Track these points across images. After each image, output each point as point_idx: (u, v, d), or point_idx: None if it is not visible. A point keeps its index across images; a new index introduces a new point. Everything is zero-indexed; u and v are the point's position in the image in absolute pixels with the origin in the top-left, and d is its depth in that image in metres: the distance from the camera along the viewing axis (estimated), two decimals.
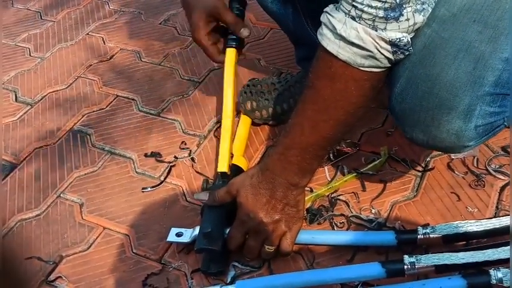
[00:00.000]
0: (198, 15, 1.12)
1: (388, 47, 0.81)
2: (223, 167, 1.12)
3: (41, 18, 1.85)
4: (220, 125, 1.31)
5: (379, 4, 0.76)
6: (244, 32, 1.15)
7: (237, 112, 1.31)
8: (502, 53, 0.83)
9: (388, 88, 0.91)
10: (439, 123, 0.85)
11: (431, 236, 0.95)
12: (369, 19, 0.78)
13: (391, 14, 0.77)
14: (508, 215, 0.99)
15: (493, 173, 1.11)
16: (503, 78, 0.84)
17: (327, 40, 0.82)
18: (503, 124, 0.90)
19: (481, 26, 0.83)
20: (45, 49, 1.69)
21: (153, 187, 1.19)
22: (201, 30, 1.13)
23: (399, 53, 0.82)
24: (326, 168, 1.17)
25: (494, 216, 1.03)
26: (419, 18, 0.80)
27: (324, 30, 0.83)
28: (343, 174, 1.15)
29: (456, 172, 1.13)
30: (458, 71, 0.83)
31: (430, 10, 0.82)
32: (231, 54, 1.19)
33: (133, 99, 1.45)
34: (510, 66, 0.84)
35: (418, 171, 1.14)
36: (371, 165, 1.14)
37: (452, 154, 1.14)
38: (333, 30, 0.81)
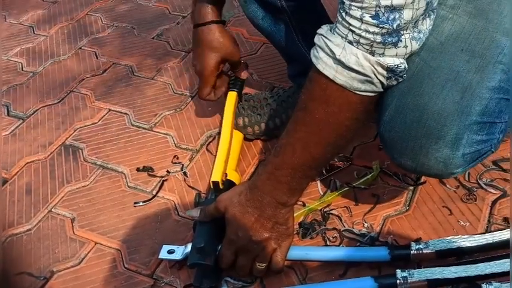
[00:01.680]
0: (214, 55, 1.19)
1: (384, 73, 0.81)
2: (216, 176, 1.12)
3: (34, 33, 1.85)
4: (213, 139, 1.31)
5: (376, 30, 0.77)
6: (244, 75, 1.28)
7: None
8: (490, 82, 0.84)
9: (378, 116, 0.92)
10: (427, 152, 0.86)
11: (424, 251, 0.95)
12: (366, 44, 0.78)
13: (389, 40, 0.78)
14: (501, 230, 0.99)
15: (485, 186, 1.12)
16: (490, 107, 0.85)
17: (323, 64, 0.82)
18: (491, 150, 0.91)
19: (468, 55, 0.84)
20: (38, 63, 1.69)
21: (145, 201, 1.19)
22: (214, 70, 1.20)
23: (393, 79, 0.83)
24: (318, 182, 1.17)
25: (486, 230, 1.04)
26: (415, 46, 0.81)
27: (320, 53, 0.82)
28: (336, 189, 1.15)
29: (448, 186, 1.13)
30: (446, 100, 0.83)
31: (424, 39, 0.82)
32: (232, 96, 1.26)
33: (125, 114, 1.45)
34: (499, 94, 0.85)
35: (410, 185, 1.14)
36: (363, 179, 1.15)
37: None
38: (331, 55, 0.81)
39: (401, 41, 0.79)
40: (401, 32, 0.78)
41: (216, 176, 1.12)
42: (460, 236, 0.97)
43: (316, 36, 0.84)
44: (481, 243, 0.95)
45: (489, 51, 0.85)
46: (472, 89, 0.84)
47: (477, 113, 0.84)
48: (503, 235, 0.95)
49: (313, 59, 0.84)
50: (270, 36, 1.24)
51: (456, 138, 0.84)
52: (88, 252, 1.09)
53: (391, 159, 0.93)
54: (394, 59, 0.80)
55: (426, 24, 0.81)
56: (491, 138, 0.88)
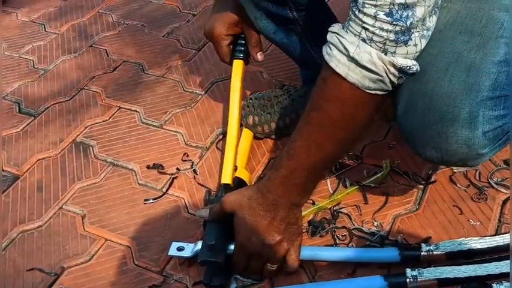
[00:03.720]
0: (229, 16, 1.16)
1: (396, 73, 0.81)
2: (226, 178, 1.12)
3: (45, 31, 1.86)
4: (223, 137, 1.32)
5: (390, 27, 0.77)
6: (259, 57, 1.20)
7: (240, 125, 1.32)
8: (494, 57, 0.84)
9: (394, 111, 0.92)
10: (447, 136, 0.85)
11: (434, 253, 0.95)
12: (379, 42, 0.78)
13: (401, 38, 0.78)
14: None
15: (495, 186, 1.11)
16: (500, 81, 0.85)
17: (337, 61, 0.82)
18: None
19: (467, 36, 0.85)
20: (49, 61, 1.70)
21: (155, 199, 1.19)
22: (225, 29, 1.17)
23: (403, 78, 0.83)
24: (328, 180, 1.17)
25: (497, 230, 1.03)
26: (424, 44, 0.81)
27: (333, 51, 0.82)
28: (346, 187, 1.15)
29: (458, 185, 1.13)
30: (451, 82, 0.84)
31: (429, 37, 0.82)
32: (238, 65, 1.22)
33: (136, 111, 1.45)
34: (507, 67, 0.85)
35: (420, 184, 1.14)
36: (373, 178, 1.14)
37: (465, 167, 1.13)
38: (345, 53, 0.81)
39: (411, 39, 0.79)
40: (412, 31, 0.78)
41: (226, 178, 1.12)
42: (470, 237, 0.96)
43: (328, 34, 0.84)
44: (491, 245, 0.95)
45: (488, 29, 0.85)
46: (477, 66, 0.84)
47: (487, 89, 0.84)
48: (510, 236, 0.95)
49: (326, 57, 0.83)
50: (283, 48, 1.24)
51: (471, 117, 0.83)
52: (98, 249, 1.10)
53: (418, 155, 0.92)
54: (406, 60, 0.80)
55: (433, 21, 0.82)
56: (510, 113, 0.87)
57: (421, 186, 1.14)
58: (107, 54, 1.70)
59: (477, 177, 1.14)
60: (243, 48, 1.22)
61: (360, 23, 0.78)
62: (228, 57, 1.21)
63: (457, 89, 0.83)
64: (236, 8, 1.16)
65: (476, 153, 0.86)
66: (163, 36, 1.76)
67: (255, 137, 1.29)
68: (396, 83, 0.83)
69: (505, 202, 1.08)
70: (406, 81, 0.85)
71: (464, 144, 0.85)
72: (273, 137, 1.29)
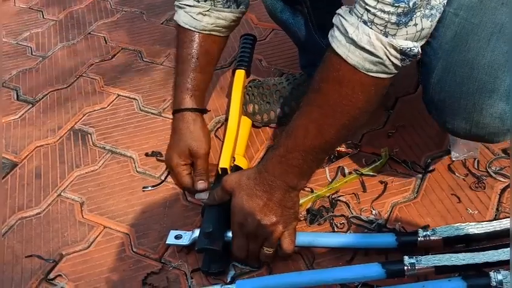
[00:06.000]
0: (183, 147, 1.14)
1: (398, 55, 0.80)
2: (224, 163, 1.12)
3: (43, 17, 1.85)
4: (221, 125, 1.32)
5: (392, 9, 0.76)
6: (200, 185, 1.13)
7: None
8: None
9: (422, 80, 0.91)
10: (482, 108, 0.85)
11: (431, 238, 0.95)
12: (381, 24, 0.78)
13: (403, 20, 0.77)
14: (509, 217, 0.99)
15: (494, 175, 1.11)
16: None
17: (338, 43, 0.82)
18: None
19: (510, 7, 0.83)
20: (47, 48, 1.69)
21: (153, 186, 1.19)
22: (182, 159, 1.14)
23: (407, 61, 0.82)
24: (327, 169, 1.17)
25: (495, 218, 1.03)
26: (427, 24, 0.80)
27: (335, 32, 0.82)
28: (344, 175, 1.15)
29: (457, 174, 1.13)
30: (494, 52, 0.82)
31: (438, 16, 0.81)
32: (240, 75, 1.25)
33: (134, 99, 1.45)
34: None
35: (419, 172, 1.14)
36: (372, 166, 1.14)
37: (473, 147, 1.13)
38: (345, 34, 0.81)
39: (412, 19, 0.78)
40: (415, 11, 0.77)
41: (224, 162, 1.12)
42: (467, 223, 0.97)
43: (334, 16, 0.84)
44: (488, 231, 0.95)
45: None
46: None
47: None
48: (510, 222, 0.95)
49: (329, 38, 0.83)
50: (287, 28, 1.23)
51: (510, 90, 0.83)
52: (97, 236, 1.10)
53: (442, 126, 0.92)
54: (407, 42, 0.79)
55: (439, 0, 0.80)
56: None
57: (420, 175, 1.14)
58: (105, 41, 1.69)
59: (475, 166, 1.14)
60: (246, 59, 1.25)
61: (363, 4, 0.78)
62: (190, 185, 1.14)
63: (499, 60, 0.82)
64: (189, 139, 1.14)
65: (507, 129, 0.86)
66: (161, 24, 1.75)
67: (254, 125, 1.29)
68: (400, 65, 0.82)
69: (503, 191, 1.08)
70: (441, 49, 0.84)
71: (499, 118, 0.85)
72: (272, 125, 1.29)
